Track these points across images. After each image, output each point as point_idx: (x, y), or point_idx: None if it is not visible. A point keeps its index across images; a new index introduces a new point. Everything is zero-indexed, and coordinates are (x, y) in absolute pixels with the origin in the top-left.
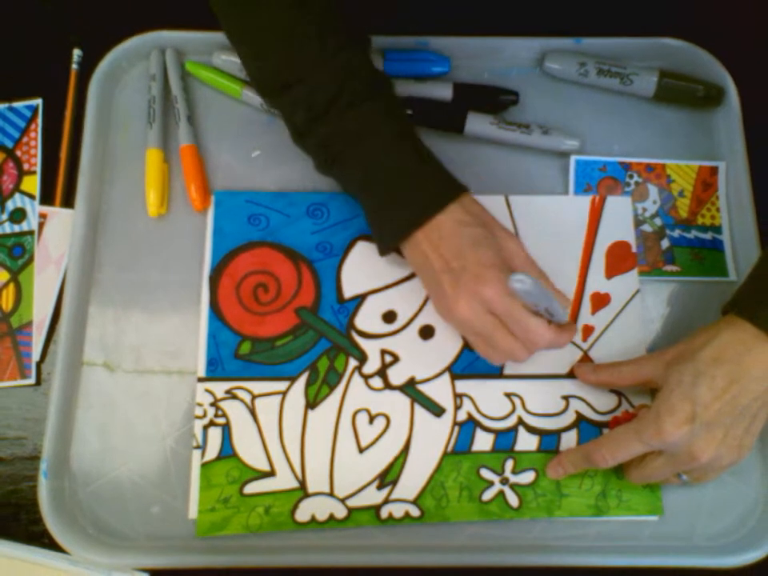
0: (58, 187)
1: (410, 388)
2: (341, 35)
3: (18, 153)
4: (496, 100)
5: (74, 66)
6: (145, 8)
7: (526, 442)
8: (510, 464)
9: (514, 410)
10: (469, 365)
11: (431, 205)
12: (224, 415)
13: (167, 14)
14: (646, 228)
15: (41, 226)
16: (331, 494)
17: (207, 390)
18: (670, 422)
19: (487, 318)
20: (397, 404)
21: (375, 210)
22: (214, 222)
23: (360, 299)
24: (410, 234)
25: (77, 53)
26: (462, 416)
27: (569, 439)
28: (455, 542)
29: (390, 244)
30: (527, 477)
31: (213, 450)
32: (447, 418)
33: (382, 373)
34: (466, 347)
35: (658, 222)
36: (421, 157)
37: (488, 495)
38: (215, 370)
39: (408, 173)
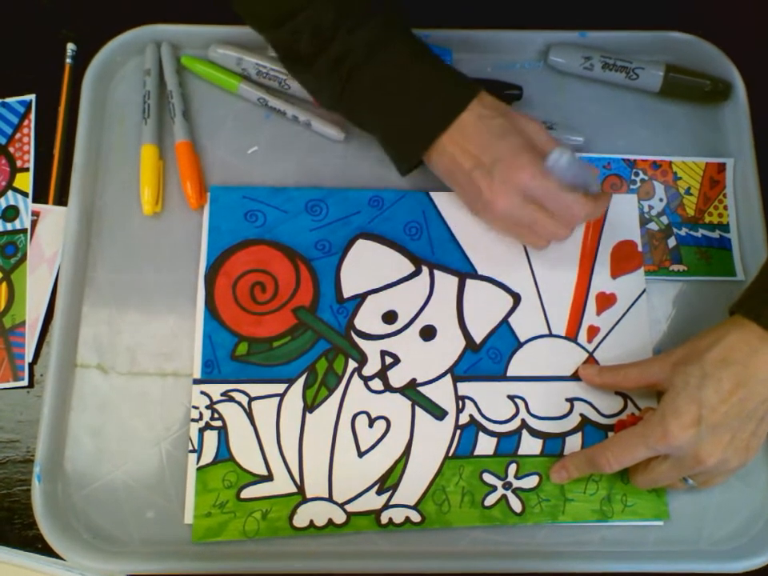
0: (52, 184)
1: (410, 390)
2: None
3: (11, 149)
4: (499, 94)
5: (68, 61)
6: (139, 1)
7: (530, 445)
8: (513, 468)
9: (517, 413)
10: (471, 366)
11: (452, 106)
12: (220, 418)
13: (162, 8)
14: (652, 226)
15: (34, 224)
16: (330, 499)
17: (203, 393)
18: (676, 425)
19: (527, 205)
20: (397, 407)
21: (393, 126)
22: (210, 218)
23: (360, 299)
24: (436, 139)
25: (70, 47)
26: (464, 419)
27: (573, 443)
28: (457, 548)
29: (414, 157)
30: (531, 481)
31: (209, 454)
32: (449, 421)
33: (382, 374)
34: (469, 348)
35: (665, 220)
36: (433, 62)
37: (490, 500)
38: (211, 372)
39: (423, 78)
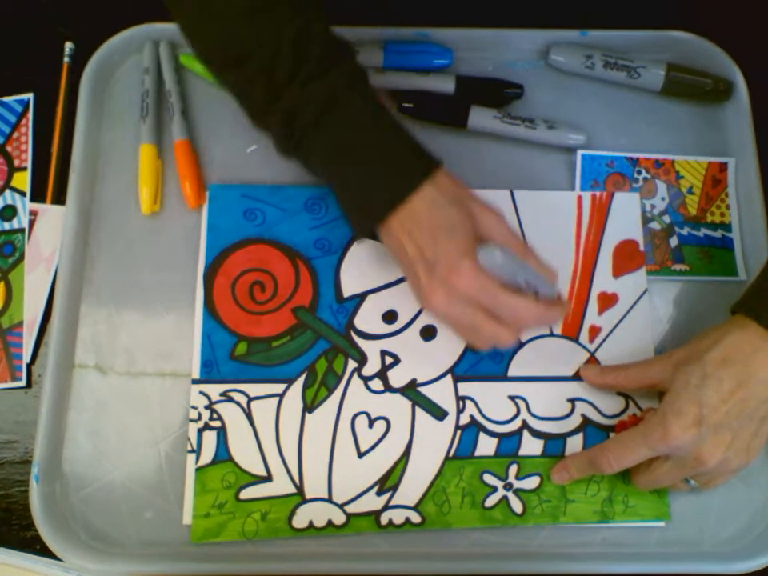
0: (50, 184)
1: (410, 390)
2: (294, 3)
3: (9, 149)
4: (500, 93)
5: (66, 60)
6: (138, 0)
7: (531, 446)
8: (513, 469)
9: (518, 414)
10: (472, 366)
11: (403, 186)
12: (219, 418)
13: (160, 6)
14: (654, 226)
15: (31, 223)
16: (329, 500)
17: (202, 393)
18: (677, 426)
19: (465, 307)
20: (397, 407)
21: (345, 193)
22: (209, 217)
23: (359, 298)
24: (384, 219)
25: (68, 46)
26: (464, 419)
27: (574, 443)
28: (457, 549)
29: (364, 231)
30: (531, 482)
31: (208, 454)
32: (449, 421)
33: (382, 374)
34: (468, 348)
35: (667, 219)
36: (391, 129)
37: (491, 501)
38: (210, 372)
39: (377, 148)
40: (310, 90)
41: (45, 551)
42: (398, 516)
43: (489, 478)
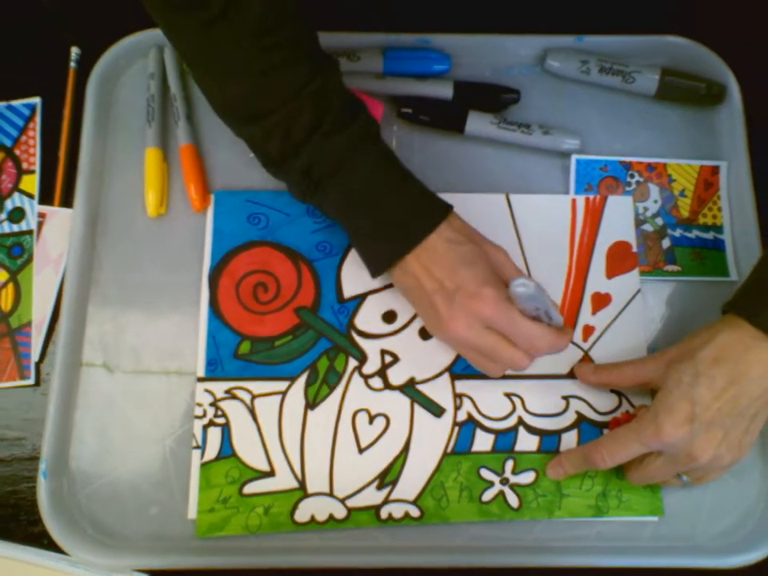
0: (57, 186)
1: (409, 388)
2: (312, 60)
3: (17, 152)
4: (497, 98)
5: (73, 65)
6: (143, 6)
7: (526, 442)
8: (510, 464)
9: (514, 410)
10: (468, 365)
11: (421, 227)
12: (223, 415)
13: None
14: (647, 227)
15: (40, 225)
16: (331, 495)
17: (207, 390)
18: (669, 422)
19: (487, 334)
20: (397, 404)
21: (362, 235)
22: (214, 221)
23: (360, 299)
24: (401, 258)
25: (75, 51)
26: (461, 416)
27: (569, 439)
28: (455, 542)
29: (380, 269)
30: (527, 477)
31: (212, 450)
32: (447, 418)
33: (381, 373)
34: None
35: (659, 221)
36: (405, 179)
37: (488, 495)
38: (215, 370)
39: (395, 195)
40: (332, 142)
41: (52, 546)
42: (397, 510)
43: (486, 473)
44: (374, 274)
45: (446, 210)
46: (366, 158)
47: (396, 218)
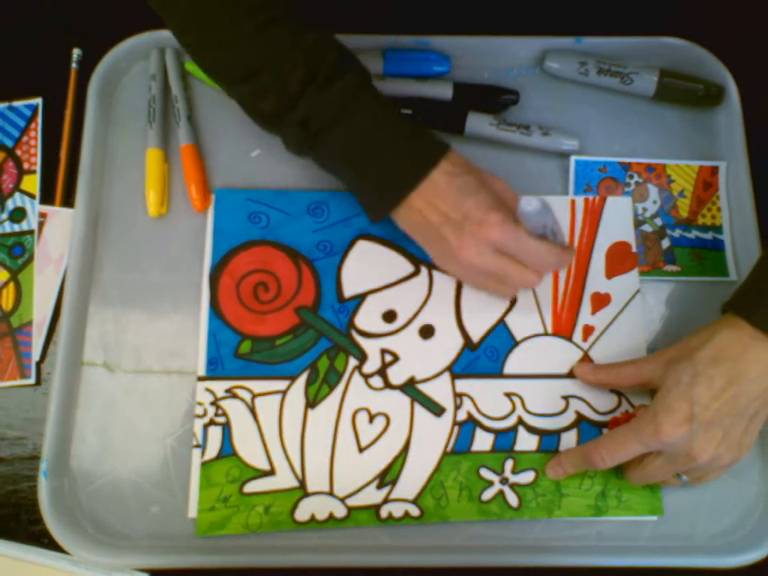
0: (58, 186)
1: (409, 387)
2: (303, 20)
3: (18, 152)
4: (496, 99)
5: (74, 66)
6: (144, 7)
7: (526, 441)
8: (509, 464)
9: (513, 410)
10: (469, 364)
11: (422, 164)
12: (224, 414)
13: None
14: (646, 228)
15: (41, 225)
16: (331, 494)
17: (207, 389)
18: (668, 422)
19: (498, 257)
20: (397, 403)
21: (364, 180)
22: (214, 220)
23: (360, 298)
24: (405, 196)
25: (76, 52)
26: (461, 415)
27: (568, 439)
28: (455, 541)
29: (384, 211)
30: (527, 477)
31: (213, 449)
32: (447, 417)
33: (382, 372)
34: (466, 347)
35: (659, 221)
36: (403, 120)
37: (488, 495)
38: (215, 369)
39: (396, 137)
40: (329, 93)
41: (53, 545)
42: (397, 509)
43: (485, 473)
44: (377, 216)
45: (445, 146)
46: (364, 106)
47: (398, 159)
